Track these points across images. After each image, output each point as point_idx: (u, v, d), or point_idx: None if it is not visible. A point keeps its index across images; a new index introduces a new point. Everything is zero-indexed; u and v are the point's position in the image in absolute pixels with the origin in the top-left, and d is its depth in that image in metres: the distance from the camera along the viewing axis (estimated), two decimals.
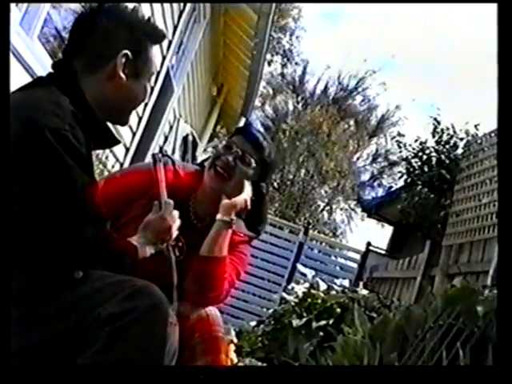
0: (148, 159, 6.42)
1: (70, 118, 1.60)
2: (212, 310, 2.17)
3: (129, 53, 1.76)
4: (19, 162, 1.54)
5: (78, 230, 1.61)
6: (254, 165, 2.28)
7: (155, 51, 1.85)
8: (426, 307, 3.91)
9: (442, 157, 6.98)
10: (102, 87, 1.76)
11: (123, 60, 1.75)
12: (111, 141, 1.86)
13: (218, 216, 2.21)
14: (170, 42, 5.97)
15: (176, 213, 1.99)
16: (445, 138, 7.10)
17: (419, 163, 7.09)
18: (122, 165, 5.66)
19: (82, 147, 1.61)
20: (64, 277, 1.62)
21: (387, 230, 13.91)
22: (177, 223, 1.98)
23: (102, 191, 2.15)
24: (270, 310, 7.29)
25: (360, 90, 21.23)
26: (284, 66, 21.42)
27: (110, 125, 1.85)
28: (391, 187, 12.88)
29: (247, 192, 2.27)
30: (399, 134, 7.65)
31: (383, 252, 11.01)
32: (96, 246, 1.67)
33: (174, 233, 1.97)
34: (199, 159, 9.51)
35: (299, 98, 20.99)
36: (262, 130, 2.32)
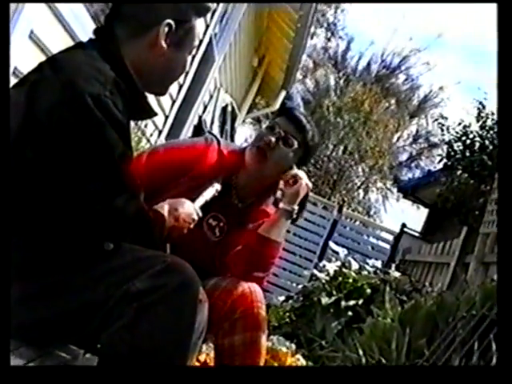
0: (187, 128, 6.41)
1: (111, 84, 1.57)
2: (255, 286, 2.18)
3: (172, 22, 1.71)
4: (57, 125, 1.51)
5: (111, 200, 1.58)
6: (295, 146, 2.27)
7: (199, 24, 1.80)
8: (459, 295, 3.85)
9: (486, 142, 6.81)
10: (142, 55, 1.71)
11: (166, 29, 1.70)
12: (148, 112, 1.82)
13: (281, 205, 2.25)
14: (214, 11, 5.90)
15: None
16: (489, 123, 6.91)
17: (461, 147, 6.94)
18: (160, 132, 5.65)
19: (121, 115, 1.57)
20: (94, 248, 1.60)
21: (422, 213, 13.79)
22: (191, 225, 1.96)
23: (145, 164, 2.15)
24: (300, 286, 7.28)
25: (403, 68, 20.93)
26: (328, 39, 21.17)
27: (149, 95, 1.82)
28: (430, 170, 12.67)
29: (306, 178, 2.28)
30: (442, 117, 7.48)
31: (417, 234, 10.90)
32: (128, 218, 1.64)
33: (185, 227, 1.93)
34: (238, 130, 9.48)
35: (341, 74, 20.75)
36: (305, 113, 2.31)
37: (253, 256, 2.21)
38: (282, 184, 2.28)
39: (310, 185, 2.30)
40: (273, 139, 2.24)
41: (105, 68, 1.60)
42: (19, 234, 1.55)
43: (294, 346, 4.58)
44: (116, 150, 1.57)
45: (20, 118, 1.53)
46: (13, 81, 1.73)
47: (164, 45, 1.71)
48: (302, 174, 2.27)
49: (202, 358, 2.99)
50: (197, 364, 2.73)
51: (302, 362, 4.17)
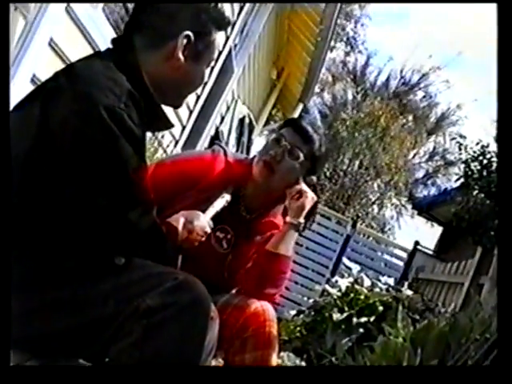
0: (203, 139, 6.41)
1: (126, 96, 1.54)
2: (268, 305, 2.16)
3: (191, 35, 1.69)
4: (70, 137, 1.49)
5: (124, 214, 1.56)
6: (302, 158, 2.24)
7: (219, 37, 1.77)
8: (473, 317, 3.79)
9: None
10: (159, 67, 1.69)
11: (184, 41, 1.68)
12: (165, 124, 1.79)
13: (288, 219, 2.23)
14: (235, 23, 5.91)
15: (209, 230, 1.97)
16: None
17: (478, 167, 6.87)
18: (177, 142, 5.64)
19: (136, 128, 1.54)
20: (105, 262, 1.57)
21: (436, 230, 13.71)
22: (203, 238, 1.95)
23: (151, 177, 2.13)
24: (311, 300, 7.24)
25: (422, 85, 20.87)
26: (347, 54, 21.16)
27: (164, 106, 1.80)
28: (446, 188, 12.61)
29: (310, 191, 2.26)
30: (460, 136, 7.42)
31: (430, 252, 10.82)
32: (141, 233, 1.61)
33: (198, 239, 1.92)
34: (255, 142, 9.48)
35: (359, 89, 20.72)
36: (314, 120, 2.27)
37: (263, 273, 2.19)
38: (287, 198, 2.26)
39: (315, 197, 2.28)
40: (279, 152, 2.21)
41: (121, 79, 1.58)
42: (29, 244, 1.53)
43: (304, 364, 4.54)
44: (130, 164, 1.54)
45: (34, 127, 1.52)
46: (31, 88, 1.72)
47: (181, 57, 1.69)
48: (305, 187, 2.25)
49: None
50: None
51: None
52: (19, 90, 2.24)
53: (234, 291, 2.27)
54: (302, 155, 2.23)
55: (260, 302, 2.13)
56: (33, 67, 2.52)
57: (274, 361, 2.12)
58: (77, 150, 1.50)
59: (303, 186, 2.25)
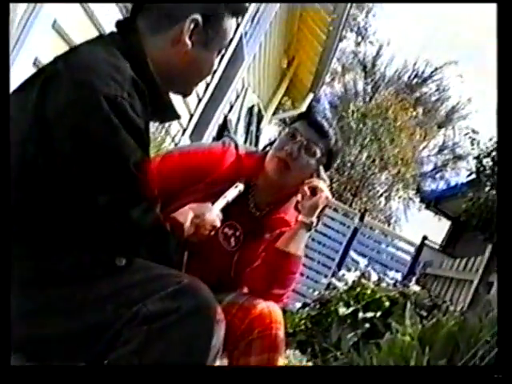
0: (212, 127, 6.32)
1: (129, 85, 1.43)
2: (275, 306, 2.06)
3: (200, 18, 1.57)
4: (68, 128, 1.39)
5: (126, 212, 1.46)
6: (319, 155, 2.15)
7: (231, 24, 1.66)
8: (483, 317, 3.72)
9: None
10: (165, 52, 1.58)
11: (192, 25, 1.56)
12: (171, 114, 1.69)
13: (300, 217, 2.13)
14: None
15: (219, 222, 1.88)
16: None
17: (491, 163, 6.77)
18: (184, 131, 5.55)
19: (139, 119, 1.44)
20: (105, 263, 1.47)
21: (443, 224, 13.64)
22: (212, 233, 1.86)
23: (157, 169, 2.04)
24: (316, 293, 7.20)
25: (435, 78, 20.73)
26: (358, 44, 21.01)
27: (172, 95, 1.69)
28: (457, 183, 12.55)
29: (327, 190, 2.15)
30: (473, 131, 7.33)
31: (437, 246, 10.74)
32: (144, 231, 1.51)
33: (206, 234, 1.83)
34: (263, 131, 9.40)
35: (369, 80, 20.59)
36: (327, 114, 2.17)
37: (272, 272, 2.09)
38: (299, 196, 2.16)
39: (330, 197, 2.18)
40: (295, 149, 2.11)
41: (123, 66, 1.47)
42: (25, 244, 1.44)
43: (310, 364, 4.49)
44: (132, 158, 1.43)
45: (30, 116, 1.42)
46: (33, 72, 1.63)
47: (188, 42, 1.57)
48: (322, 185, 2.14)
49: None
50: None
51: None
52: (21, 73, 2.15)
53: (240, 290, 2.18)
54: (318, 151, 2.14)
55: (266, 303, 2.04)
56: (35, 50, 2.44)
57: (280, 364, 2.04)
58: (74, 143, 1.40)
59: (320, 184, 2.14)
